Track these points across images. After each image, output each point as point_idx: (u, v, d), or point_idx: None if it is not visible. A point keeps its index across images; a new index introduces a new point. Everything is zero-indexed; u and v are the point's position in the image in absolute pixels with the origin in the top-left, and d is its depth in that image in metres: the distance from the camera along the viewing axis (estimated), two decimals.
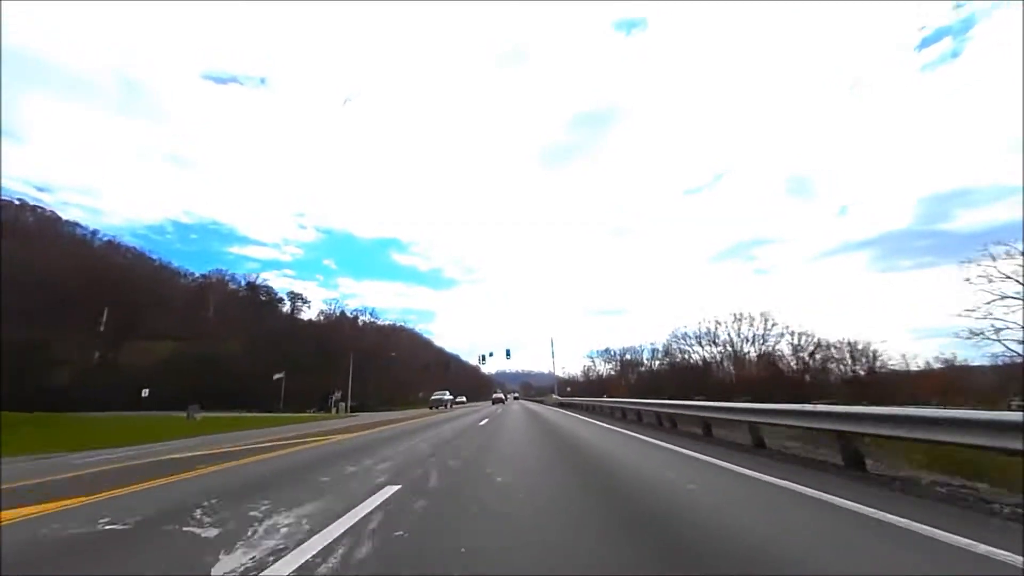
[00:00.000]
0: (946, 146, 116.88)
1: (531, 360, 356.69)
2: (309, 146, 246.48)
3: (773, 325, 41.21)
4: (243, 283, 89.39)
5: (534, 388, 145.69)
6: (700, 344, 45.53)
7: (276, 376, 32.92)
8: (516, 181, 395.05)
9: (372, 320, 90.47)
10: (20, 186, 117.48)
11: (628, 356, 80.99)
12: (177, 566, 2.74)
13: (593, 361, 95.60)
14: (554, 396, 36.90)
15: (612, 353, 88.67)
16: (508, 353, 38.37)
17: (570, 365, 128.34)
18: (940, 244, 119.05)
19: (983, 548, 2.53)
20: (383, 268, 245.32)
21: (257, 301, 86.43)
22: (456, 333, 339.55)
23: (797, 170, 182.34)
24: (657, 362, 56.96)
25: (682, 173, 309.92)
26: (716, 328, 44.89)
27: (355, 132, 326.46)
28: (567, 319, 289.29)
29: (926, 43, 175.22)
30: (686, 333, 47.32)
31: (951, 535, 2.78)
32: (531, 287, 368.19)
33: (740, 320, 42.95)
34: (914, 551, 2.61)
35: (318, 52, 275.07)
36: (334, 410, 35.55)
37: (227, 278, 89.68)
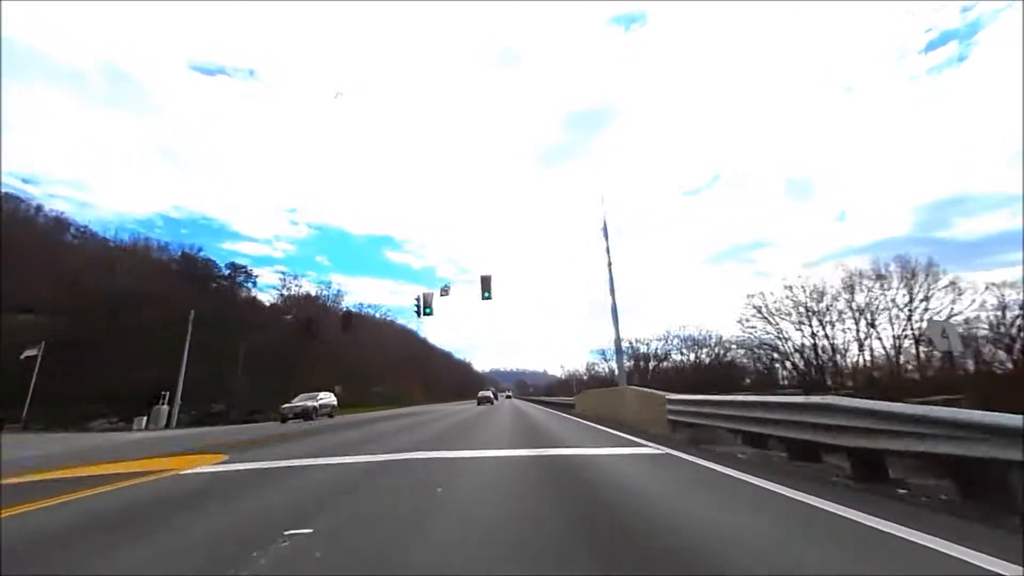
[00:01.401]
0: (946, 152, 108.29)
1: (526, 360, 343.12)
2: (301, 141, 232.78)
3: (932, 290, 25.22)
4: (178, 253, 72.11)
5: (531, 388, 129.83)
6: (803, 325, 29.40)
7: (25, 354, 17.24)
8: (511, 181, 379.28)
9: (335, 305, 74.05)
10: (5, 178, 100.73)
11: (644, 348, 64.75)
12: None
13: (604, 355, 79.42)
14: (622, 387, 13.85)
15: (634, 347, 72.56)
16: (446, 290, 20.13)
17: (567, 364, 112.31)
18: (938, 252, 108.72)
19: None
20: (376, 265, 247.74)
21: (195, 275, 69.55)
22: (449, 332, 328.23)
23: (797, 173, 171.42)
24: (719, 352, 40.92)
25: (680, 174, 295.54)
26: (823, 298, 28.91)
27: (348, 128, 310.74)
28: (563, 319, 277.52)
29: (932, 46, 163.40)
30: (763, 309, 31.15)
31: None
32: (525, 287, 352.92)
33: (881, 278, 27.01)
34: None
35: (309, 44, 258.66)
36: (145, 422, 19.90)
37: (156, 247, 72.39)
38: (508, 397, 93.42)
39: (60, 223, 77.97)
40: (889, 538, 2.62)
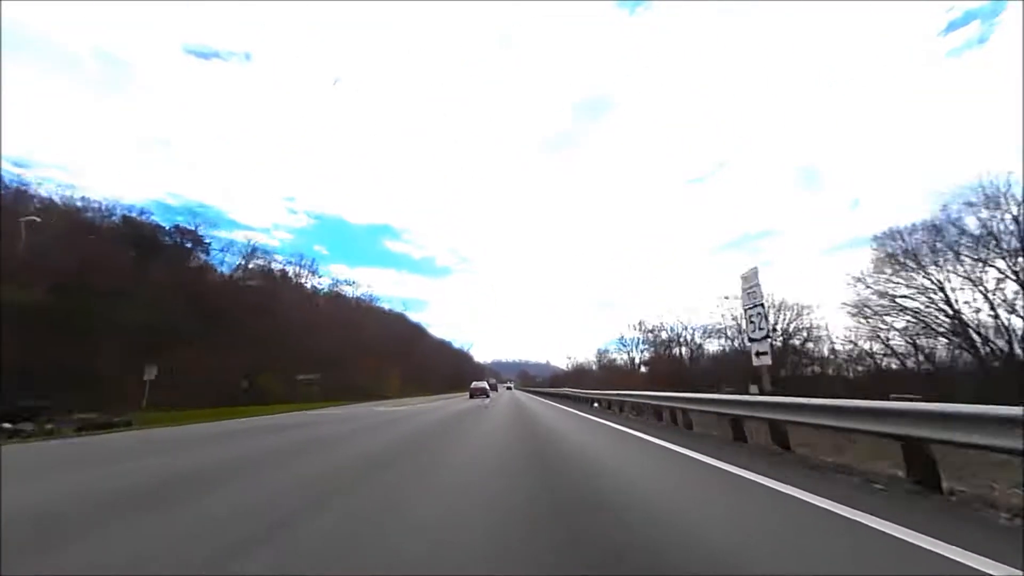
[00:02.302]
0: (964, 137, 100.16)
1: (528, 352, 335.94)
2: (298, 127, 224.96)
3: None
4: (118, 217, 60.47)
5: (539, 378, 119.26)
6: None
7: None
8: (512, 169, 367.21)
9: (309, 286, 62.64)
10: None
11: (683, 332, 53.20)
12: None
13: (623, 343, 68.21)
14: None
15: (656, 331, 61.46)
16: None
17: (575, 355, 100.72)
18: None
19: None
20: (376, 255, 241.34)
21: (140, 241, 58.17)
22: (450, 322, 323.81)
23: (806, 161, 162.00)
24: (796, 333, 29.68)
25: (684, 161, 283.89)
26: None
27: (347, 115, 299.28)
28: (567, 310, 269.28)
29: (953, 27, 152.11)
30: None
31: None
32: (527, 278, 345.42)
33: None
34: None
35: (307, 28, 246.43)
36: None
37: (90, 208, 60.98)
38: (509, 388, 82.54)
39: (22, 194, 67.62)
40: None
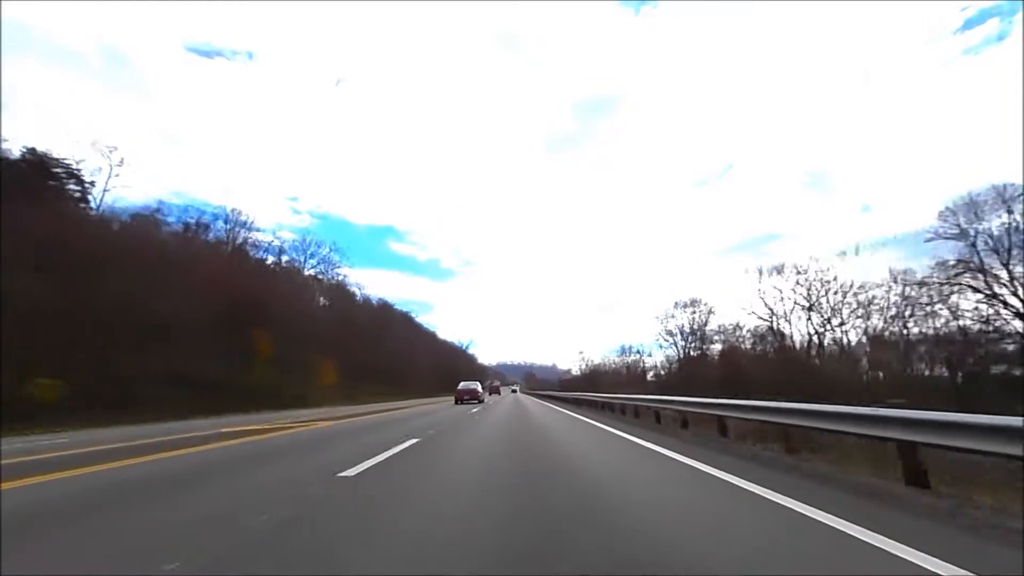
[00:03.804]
0: (979, 141, 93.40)
1: (535, 353, 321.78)
2: (302, 127, 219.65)
3: None
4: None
5: (556, 378, 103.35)
6: None
7: None
8: (516, 171, 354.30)
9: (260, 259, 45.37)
10: None
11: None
12: None
13: (673, 342, 52.01)
14: None
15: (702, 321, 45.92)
16: None
17: (586, 356, 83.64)
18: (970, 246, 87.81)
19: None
20: (380, 257, 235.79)
21: (26, 178, 41.19)
22: (456, 325, 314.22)
23: (816, 163, 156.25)
24: None
25: (691, 163, 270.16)
26: None
27: (349, 115, 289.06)
28: (572, 313, 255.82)
29: (969, 24, 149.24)
30: None
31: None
32: (532, 280, 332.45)
33: None
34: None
35: (310, 28, 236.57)
36: None
37: None
38: (514, 392, 68.84)
39: None
40: None
